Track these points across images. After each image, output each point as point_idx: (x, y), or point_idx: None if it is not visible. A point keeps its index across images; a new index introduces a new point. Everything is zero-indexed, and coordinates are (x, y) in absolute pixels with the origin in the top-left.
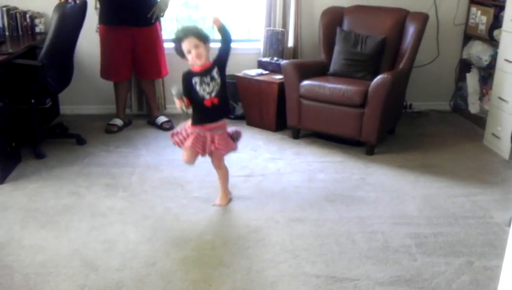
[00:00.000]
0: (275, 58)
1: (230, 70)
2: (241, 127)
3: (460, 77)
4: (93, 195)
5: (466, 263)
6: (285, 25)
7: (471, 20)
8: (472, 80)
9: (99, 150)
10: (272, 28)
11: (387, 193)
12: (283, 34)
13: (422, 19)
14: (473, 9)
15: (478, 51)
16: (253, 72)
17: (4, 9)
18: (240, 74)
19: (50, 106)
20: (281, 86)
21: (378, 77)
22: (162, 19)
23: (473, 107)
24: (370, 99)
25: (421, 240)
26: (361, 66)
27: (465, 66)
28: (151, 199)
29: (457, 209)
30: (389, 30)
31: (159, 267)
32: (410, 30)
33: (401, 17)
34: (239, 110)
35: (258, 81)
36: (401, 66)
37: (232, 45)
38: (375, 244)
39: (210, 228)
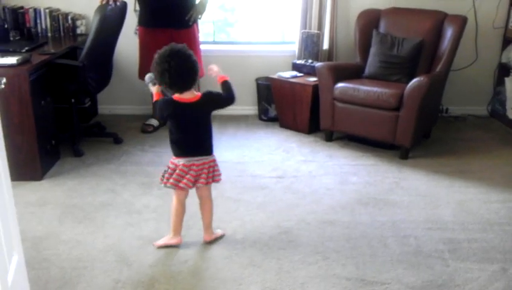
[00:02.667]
0: (310, 61)
1: (264, 72)
2: (274, 129)
3: (499, 82)
4: (129, 193)
5: (500, 270)
6: (320, 27)
7: (511, 24)
8: (511, 84)
9: (135, 149)
10: (307, 31)
11: (421, 198)
12: (318, 37)
13: (461, 22)
14: None
15: None
16: (288, 74)
17: (47, 11)
18: (274, 76)
19: (89, 106)
20: (315, 88)
21: (415, 80)
22: (199, 21)
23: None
24: (405, 102)
25: (454, 246)
26: (398, 68)
27: (504, 70)
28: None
29: (492, 215)
30: (426, 33)
31: (190, 265)
32: (448, 33)
33: (439, 19)
34: (272, 112)
35: (292, 83)
36: (438, 69)
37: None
38: (408, 249)
39: (241, 227)
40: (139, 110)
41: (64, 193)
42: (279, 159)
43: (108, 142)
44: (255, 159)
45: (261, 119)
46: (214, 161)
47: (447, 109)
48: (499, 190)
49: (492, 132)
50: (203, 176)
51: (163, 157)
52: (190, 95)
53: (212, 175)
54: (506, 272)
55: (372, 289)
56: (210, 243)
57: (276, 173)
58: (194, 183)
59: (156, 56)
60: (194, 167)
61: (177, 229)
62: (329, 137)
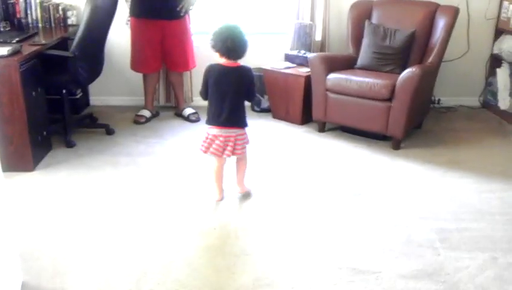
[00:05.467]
0: (302, 52)
1: (257, 63)
2: (267, 120)
3: (491, 72)
4: (121, 183)
5: (490, 259)
6: (313, 18)
7: (503, 15)
8: (502, 75)
9: (127, 140)
10: (300, 21)
11: (413, 188)
12: (311, 28)
13: (453, 13)
14: (505, 3)
15: (509, 45)
16: (280, 65)
17: (38, 1)
18: (267, 67)
19: (80, 97)
20: (308, 79)
21: (407, 71)
22: (190, 12)
23: (503, 103)
24: (397, 93)
25: (445, 235)
26: (390, 59)
27: (495, 61)
28: (178, 188)
29: (484, 205)
30: (418, 24)
31: (183, 254)
32: (440, 24)
33: (431, 10)
34: (265, 103)
35: (284, 74)
36: (430, 60)
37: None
38: (399, 238)
39: (234, 217)
40: (131, 101)
41: (56, 183)
42: (272, 150)
43: (100, 133)
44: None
45: (253, 110)
46: (242, 134)
47: (439, 100)
48: (490, 179)
49: (484, 123)
50: (229, 148)
51: (156, 148)
52: (232, 64)
53: (240, 147)
54: (496, 261)
55: (363, 277)
56: (244, 196)
57: (268, 164)
58: (222, 152)
59: (217, 30)
60: (221, 138)
61: (219, 188)
62: (322, 128)
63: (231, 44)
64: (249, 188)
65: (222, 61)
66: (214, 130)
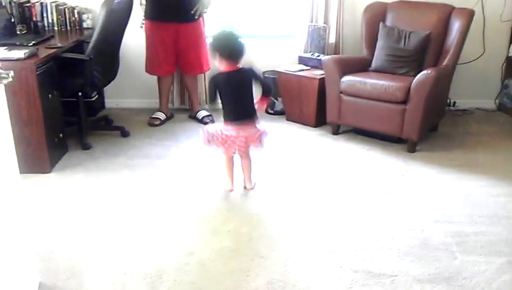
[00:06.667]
0: (316, 54)
1: (270, 65)
2: (281, 123)
3: (507, 75)
4: (136, 186)
5: (507, 263)
6: (327, 20)
7: None
8: None
9: (142, 142)
10: (313, 24)
11: (428, 191)
12: (325, 30)
13: (468, 15)
14: None
15: None
16: (294, 67)
17: (53, 4)
18: (281, 70)
19: (96, 99)
20: (322, 81)
21: (422, 73)
22: (205, 15)
23: None
24: (412, 95)
25: (461, 239)
26: (404, 62)
27: (511, 63)
28: (193, 191)
29: (500, 208)
30: (433, 26)
31: (197, 256)
32: (455, 26)
33: (446, 12)
34: (279, 105)
35: (298, 76)
36: (445, 62)
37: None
38: (415, 241)
39: (248, 220)
40: (146, 103)
41: (72, 185)
42: (286, 153)
43: (116, 135)
44: (261, 153)
45: (267, 112)
46: (257, 128)
47: (454, 103)
48: (506, 183)
49: (500, 126)
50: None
51: (171, 150)
52: (233, 67)
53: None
54: None
55: (379, 281)
56: (249, 189)
57: (282, 166)
58: (244, 147)
59: (214, 37)
60: (241, 132)
61: (230, 179)
62: (336, 130)
63: (231, 47)
64: (254, 181)
65: (222, 66)
66: (233, 131)
